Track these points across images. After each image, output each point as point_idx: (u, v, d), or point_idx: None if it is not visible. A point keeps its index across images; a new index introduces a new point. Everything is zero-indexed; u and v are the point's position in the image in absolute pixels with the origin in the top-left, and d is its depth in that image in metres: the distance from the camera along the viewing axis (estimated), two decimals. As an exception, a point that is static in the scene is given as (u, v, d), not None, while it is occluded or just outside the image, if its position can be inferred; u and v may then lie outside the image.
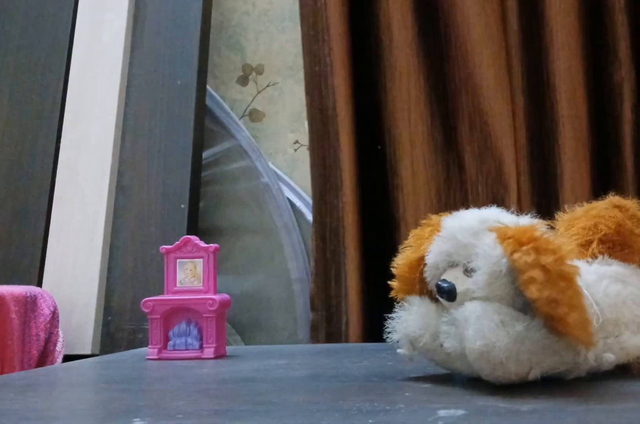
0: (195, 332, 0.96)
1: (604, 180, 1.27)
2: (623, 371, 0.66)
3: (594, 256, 0.73)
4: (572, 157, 1.26)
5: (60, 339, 1.25)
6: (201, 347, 0.95)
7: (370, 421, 0.50)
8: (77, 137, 1.43)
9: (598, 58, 1.30)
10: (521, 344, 0.59)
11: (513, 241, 0.60)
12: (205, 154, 1.48)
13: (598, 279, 0.68)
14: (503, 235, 0.61)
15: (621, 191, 1.22)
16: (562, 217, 0.79)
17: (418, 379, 0.68)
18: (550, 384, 0.61)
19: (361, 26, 1.36)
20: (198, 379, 0.77)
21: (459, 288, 0.62)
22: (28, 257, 1.40)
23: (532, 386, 0.60)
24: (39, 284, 1.35)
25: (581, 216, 0.77)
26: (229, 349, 1.00)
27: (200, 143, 1.44)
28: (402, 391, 0.62)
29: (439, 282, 0.63)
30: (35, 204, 1.42)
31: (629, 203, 0.77)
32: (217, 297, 0.96)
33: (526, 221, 0.65)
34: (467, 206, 0.68)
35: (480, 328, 0.59)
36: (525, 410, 0.52)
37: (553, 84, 1.27)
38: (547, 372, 0.62)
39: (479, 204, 0.68)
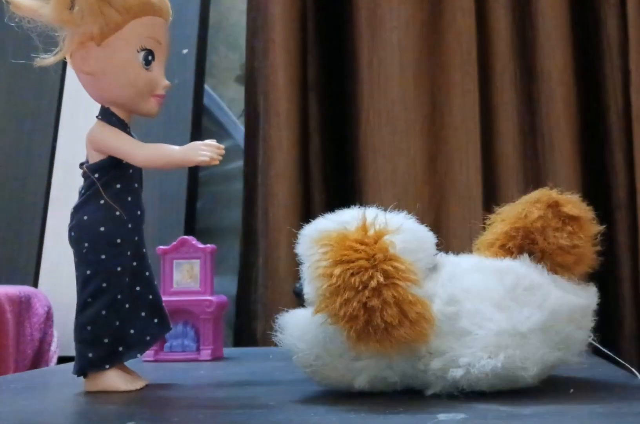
0: (192, 334, 0.95)
1: (595, 178, 1.27)
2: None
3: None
4: (564, 156, 1.25)
5: (55, 340, 1.24)
6: (198, 349, 0.95)
7: (369, 425, 0.49)
8: (73, 137, 1.42)
9: (592, 58, 1.29)
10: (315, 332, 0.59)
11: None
12: (202, 154, 1.47)
13: (462, 272, 0.60)
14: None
15: (610, 189, 1.24)
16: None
17: (417, 381, 0.68)
18: (552, 388, 0.60)
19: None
20: (195, 381, 0.76)
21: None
22: (24, 257, 1.39)
23: (533, 390, 0.59)
24: (35, 284, 1.34)
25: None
26: (226, 351, 0.99)
27: (197, 143, 1.43)
28: (401, 394, 0.61)
29: None
30: (31, 204, 1.41)
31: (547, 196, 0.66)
32: (214, 298, 0.95)
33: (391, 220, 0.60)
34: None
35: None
36: (527, 414, 0.51)
37: (548, 79, 1.26)
38: (384, 379, 0.59)
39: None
